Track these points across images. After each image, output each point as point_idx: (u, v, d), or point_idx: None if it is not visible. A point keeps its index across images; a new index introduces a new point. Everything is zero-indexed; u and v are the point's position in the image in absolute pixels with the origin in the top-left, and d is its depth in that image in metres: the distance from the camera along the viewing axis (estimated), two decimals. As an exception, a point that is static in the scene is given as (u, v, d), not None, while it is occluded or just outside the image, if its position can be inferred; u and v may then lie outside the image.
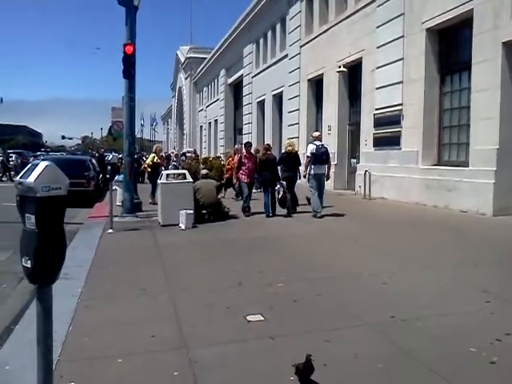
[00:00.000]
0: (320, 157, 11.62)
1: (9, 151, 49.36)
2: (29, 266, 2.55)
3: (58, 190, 2.57)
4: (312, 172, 11.63)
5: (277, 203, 12.09)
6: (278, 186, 12.01)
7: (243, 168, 12.50)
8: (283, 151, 13.36)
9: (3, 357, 3.94)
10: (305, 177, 12.00)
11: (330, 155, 12.39)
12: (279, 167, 12.54)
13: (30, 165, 2.68)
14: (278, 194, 12.00)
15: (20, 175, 2.63)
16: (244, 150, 12.95)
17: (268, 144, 14.74)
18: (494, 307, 4.89)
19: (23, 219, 2.59)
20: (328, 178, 12.10)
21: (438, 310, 4.88)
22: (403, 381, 3.45)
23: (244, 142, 14.27)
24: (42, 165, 2.58)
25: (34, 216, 2.52)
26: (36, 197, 2.49)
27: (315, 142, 11.90)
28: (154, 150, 17.28)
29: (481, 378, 3.45)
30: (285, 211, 11.89)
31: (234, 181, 13.78)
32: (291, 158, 12.41)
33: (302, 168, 12.74)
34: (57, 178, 2.58)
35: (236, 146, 20.46)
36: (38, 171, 2.53)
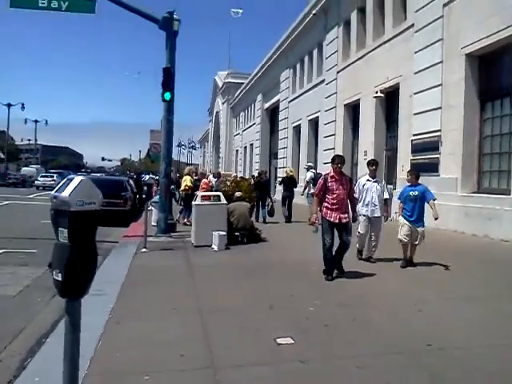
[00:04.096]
0: (317, 180, 14.60)
1: (51, 171, 51.15)
2: (59, 278, 2.55)
3: (92, 204, 2.58)
4: (311, 191, 15.08)
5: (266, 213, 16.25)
6: (269, 201, 16.53)
7: (328, 197, 7.55)
8: (284, 175, 18.43)
9: (33, 368, 3.98)
10: (302, 194, 16.43)
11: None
12: (281, 187, 17.13)
13: (65, 179, 2.69)
14: (268, 207, 16.37)
15: (55, 189, 2.65)
16: (331, 169, 7.78)
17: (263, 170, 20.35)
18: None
19: (56, 233, 2.60)
20: None
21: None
22: None
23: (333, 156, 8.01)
24: (77, 179, 2.60)
25: (66, 230, 2.53)
26: (70, 211, 2.50)
27: (312, 170, 16.66)
28: (186, 172, 16.95)
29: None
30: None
31: (314, 218, 7.83)
32: (290, 181, 17.22)
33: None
34: (91, 194, 2.60)
35: (200, 169, 17.26)
36: (72, 186, 2.55)
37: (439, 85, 14.41)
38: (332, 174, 7.65)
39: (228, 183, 15.63)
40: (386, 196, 8.95)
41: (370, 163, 9.08)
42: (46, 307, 6.03)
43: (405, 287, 7.10)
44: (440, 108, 14.40)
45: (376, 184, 8.84)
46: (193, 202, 11.74)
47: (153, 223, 13.31)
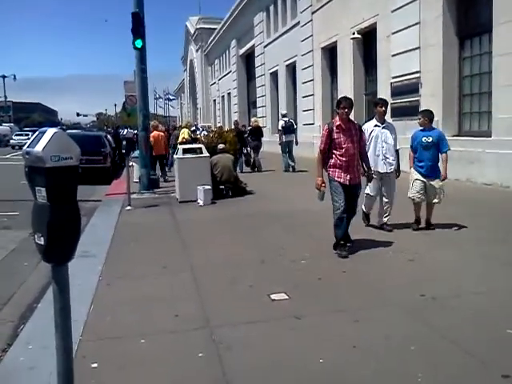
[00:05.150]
0: (288, 128, 16.84)
1: (25, 129, 49.82)
2: (42, 243, 2.38)
3: (69, 159, 2.35)
4: (284, 140, 16.74)
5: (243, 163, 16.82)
6: (245, 151, 17.09)
7: (335, 153, 5.99)
8: (250, 126, 18.82)
9: (26, 336, 3.94)
10: (279, 144, 17.08)
11: (295, 127, 17.80)
12: (249, 138, 17.59)
13: (37, 133, 2.43)
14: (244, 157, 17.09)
15: (27, 144, 2.40)
16: (337, 117, 6.09)
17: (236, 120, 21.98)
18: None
19: (34, 193, 2.39)
20: (297, 144, 17.12)
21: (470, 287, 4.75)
22: (438, 363, 3.27)
23: (339, 98, 6.34)
24: (50, 132, 2.34)
25: (44, 188, 2.33)
26: (45, 167, 2.28)
27: (284, 119, 17.33)
28: (184, 125, 17.05)
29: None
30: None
31: (319, 182, 6.01)
32: (257, 131, 17.96)
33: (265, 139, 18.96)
34: (67, 147, 2.36)
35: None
36: (46, 139, 2.31)
37: (417, 23, 14.05)
38: (338, 122, 5.95)
39: (211, 135, 15.41)
40: (398, 146, 7.23)
41: (378, 103, 7.23)
42: (34, 271, 5.96)
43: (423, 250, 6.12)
44: (419, 48, 14.11)
45: (387, 131, 7.06)
46: (174, 156, 11.57)
47: (135, 179, 13.15)
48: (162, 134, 16.16)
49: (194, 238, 7.31)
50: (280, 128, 17.11)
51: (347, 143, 5.89)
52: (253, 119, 20.46)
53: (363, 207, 7.34)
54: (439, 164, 7.04)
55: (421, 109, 13.92)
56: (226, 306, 4.43)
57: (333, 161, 5.97)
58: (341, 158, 5.91)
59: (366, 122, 7.68)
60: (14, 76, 67.87)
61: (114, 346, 3.70)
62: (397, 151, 7.14)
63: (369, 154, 6.64)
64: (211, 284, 5.08)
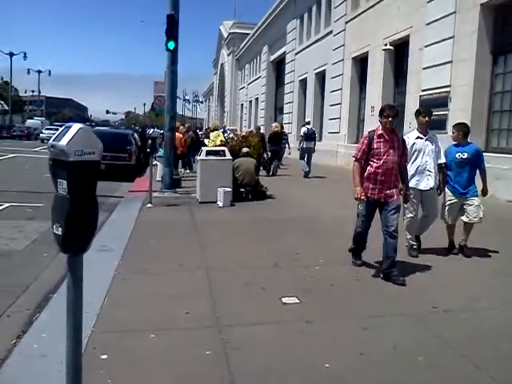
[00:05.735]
0: (310, 136, 17.16)
1: (56, 124, 50.87)
2: (59, 233, 2.44)
3: (92, 154, 2.41)
4: (305, 146, 17.02)
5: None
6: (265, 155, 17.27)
7: (372, 164, 5.43)
8: (271, 131, 18.61)
9: (40, 325, 4.01)
10: (298, 150, 17.42)
11: (316, 135, 18.36)
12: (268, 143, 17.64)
13: (63, 127, 2.50)
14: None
15: (53, 138, 2.47)
16: (379, 126, 5.52)
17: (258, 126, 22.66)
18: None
19: (56, 185, 2.47)
20: (314, 151, 17.23)
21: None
22: (445, 376, 3.24)
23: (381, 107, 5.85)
24: (76, 127, 2.41)
25: (65, 181, 2.39)
26: (68, 161, 2.34)
27: (307, 126, 17.65)
28: (214, 128, 17.03)
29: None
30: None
31: (359, 192, 5.37)
32: (278, 137, 18.20)
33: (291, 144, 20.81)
34: (90, 143, 2.43)
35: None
36: (70, 134, 2.37)
37: (451, 37, 13.92)
38: (380, 131, 5.43)
39: (235, 138, 15.46)
40: (443, 160, 6.39)
41: (421, 113, 6.37)
42: (52, 262, 6.05)
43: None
44: (451, 62, 13.97)
45: (430, 143, 6.28)
46: (197, 157, 11.65)
47: (158, 178, 13.28)
48: (181, 135, 16.91)
49: (211, 238, 7.35)
50: (302, 134, 17.42)
51: (387, 155, 5.33)
52: (273, 125, 20.13)
53: (406, 234, 6.37)
54: (475, 180, 6.42)
55: (449, 123, 13.85)
56: (238, 306, 4.44)
57: (366, 172, 5.43)
58: (376, 170, 5.35)
59: (404, 133, 6.77)
60: (50, 71, 69.49)
61: (124, 339, 3.74)
62: (440, 165, 6.38)
63: (409, 169, 5.97)
64: (224, 284, 5.09)
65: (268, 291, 4.83)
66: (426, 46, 15.20)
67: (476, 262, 6.23)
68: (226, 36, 56.53)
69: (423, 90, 15.30)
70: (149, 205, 10.04)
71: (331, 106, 23.78)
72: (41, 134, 43.54)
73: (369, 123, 19.79)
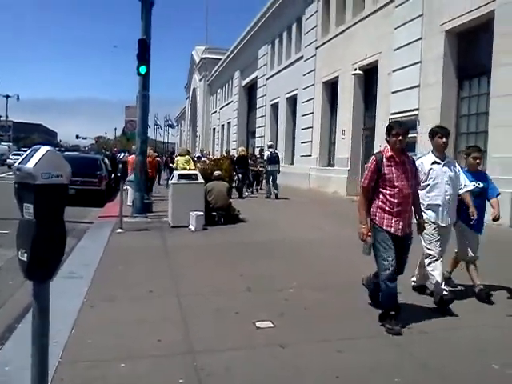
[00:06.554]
0: (273, 159, 17.93)
1: (23, 149, 49.96)
2: (25, 259, 2.37)
3: (59, 177, 2.37)
4: (269, 169, 17.72)
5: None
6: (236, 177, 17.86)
7: (384, 192, 4.56)
8: (238, 155, 19.48)
9: (4, 356, 3.83)
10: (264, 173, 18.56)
11: (280, 157, 19.58)
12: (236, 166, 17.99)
13: (30, 150, 2.45)
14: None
15: (19, 160, 2.41)
16: (387, 147, 4.69)
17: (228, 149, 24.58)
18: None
19: (21, 209, 2.39)
20: (278, 173, 17.93)
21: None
22: None
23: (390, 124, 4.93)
24: (43, 150, 2.37)
25: (32, 205, 2.33)
26: (35, 184, 2.29)
27: (269, 150, 18.56)
28: (185, 153, 17.38)
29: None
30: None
31: (364, 232, 4.50)
32: (243, 160, 18.75)
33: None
34: (58, 165, 2.38)
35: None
36: (37, 156, 2.32)
37: (418, 62, 14.35)
38: (390, 153, 4.57)
39: (207, 161, 15.55)
40: (466, 188, 5.35)
41: (437, 133, 5.26)
42: (18, 290, 5.83)
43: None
44: (418, 86, 14.37)
45: (448, 169, 5.19)
46: (169, 181, 11.56)
47: (128, 203, 13.09)
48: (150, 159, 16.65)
49: (183, 263, 7.23)
50: (265, 158, 18.35)
51: (401, 180, 4.48)
52: (240, 148, 21.50)
53: (432, 279, 5.13)
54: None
55: (418, 146, 14.09)
56: (211, 332, 4.34)
57: (379, 203, 4.54)
58: (391, 200, 4.47)
59: (419, 157, 5.65)
60: (18, 96, 68.61)
61: (93, 369, 3.59)
62: (459, 196, 5.34)
63: (424, 200, 5.09)
64: (197, 310, 4.98)
65: (241, 316, 4.74)
66: (394, 71, 15.60)
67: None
68: (198, 61, 56.84)
69: (392, 114, 15.60)
70: (119, 230, 9.85)
71: (303, 129, 24.04)
72: (8, 160, 42.67)
73: (340, 146, 20.07)
